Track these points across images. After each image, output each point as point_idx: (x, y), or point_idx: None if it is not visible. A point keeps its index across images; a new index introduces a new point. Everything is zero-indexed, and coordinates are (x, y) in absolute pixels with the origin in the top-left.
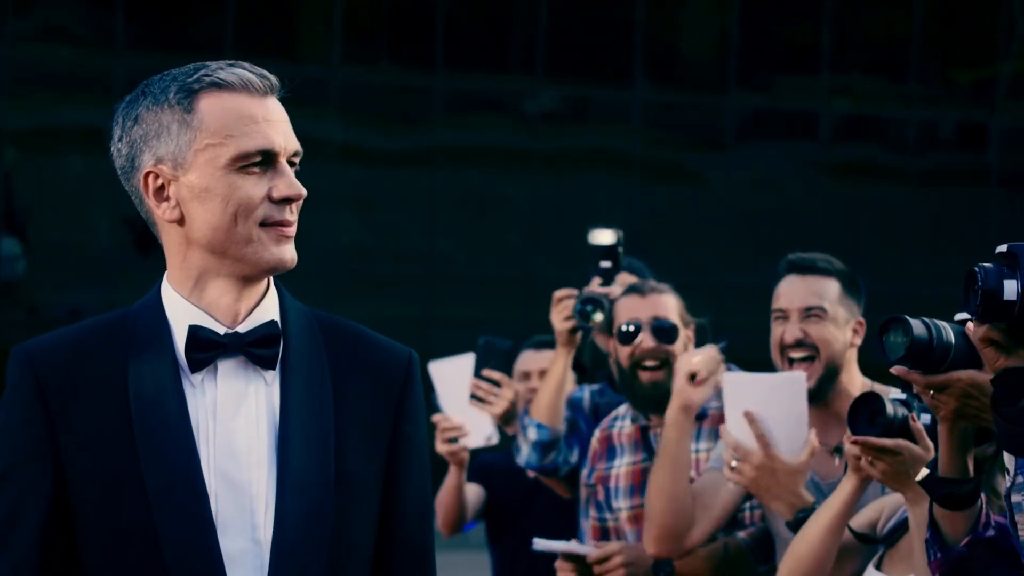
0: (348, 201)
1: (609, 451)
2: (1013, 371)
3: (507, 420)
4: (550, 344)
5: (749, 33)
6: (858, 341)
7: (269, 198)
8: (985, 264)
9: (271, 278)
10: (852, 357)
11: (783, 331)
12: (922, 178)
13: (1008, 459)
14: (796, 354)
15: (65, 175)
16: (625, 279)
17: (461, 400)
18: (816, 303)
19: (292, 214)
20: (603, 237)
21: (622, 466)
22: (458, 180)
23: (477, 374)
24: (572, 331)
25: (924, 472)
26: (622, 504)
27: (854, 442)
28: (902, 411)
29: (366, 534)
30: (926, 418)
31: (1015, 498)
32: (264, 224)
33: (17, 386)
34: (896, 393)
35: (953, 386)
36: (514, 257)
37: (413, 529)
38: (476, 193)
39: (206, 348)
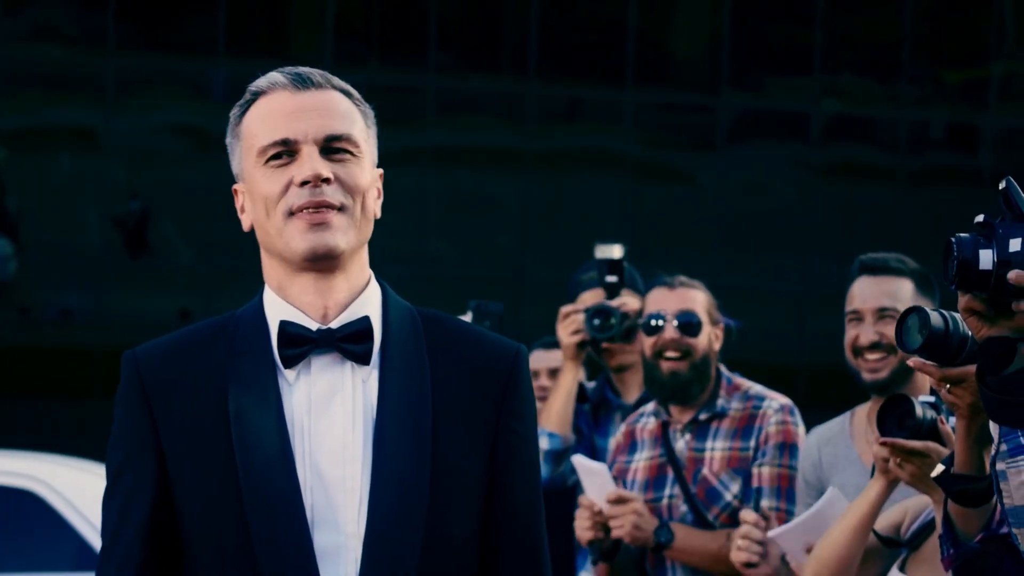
0: None
1: (631, 446)
2: (996, 340)
3: None
4: (559, 344)
5: (740, 33)
6: None
7: (295, 185)
8: (962, 235)
9: (375, 278)
10: None
11: (858, 333)
12: (914, 179)
13: (993, 427)
14: (872, 355)
15: (56, 175)
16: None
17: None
18: (890, 304)
19: (324, 195)
20: (610, 252)
21: (640, 460)
22: (449, 180)
23: None
24: (580, 344)
25: (940, 468)
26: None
27: (882, 443)
28: (931, 413)
29: (466, 530)
30: (940, 468)
31: (999, 466)
32: (292, 213)
33: (126, 388)
34: (926, 396)
35: (969, 380)
36: (505, 257)
37: (522, 525)
38: (467, 193)
39: (297, 344)
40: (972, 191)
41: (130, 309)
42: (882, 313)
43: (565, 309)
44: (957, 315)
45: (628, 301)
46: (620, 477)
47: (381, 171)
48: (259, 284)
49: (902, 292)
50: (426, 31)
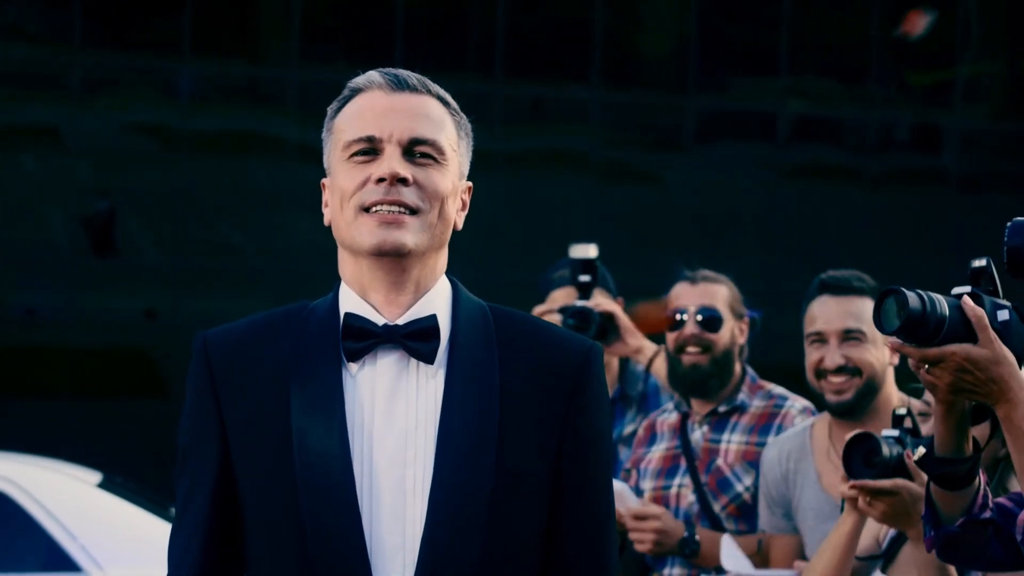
0: (305, 201)
1: (651, 438)
2: None
3: None
4: None
5: (707, 34)
6: (896, 360)
7: (372, 182)
8: (1018, 219)
9: (445, 276)
10: (891, 375)
11: (822, 355)
12: (879, 179)
13: None
14: (836, 378)
15: (21, 174)
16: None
17: None
18: (855, 325)
19: (399, 195)
20: (586, 251)
21: (657, 451)
22: None
23: None
24: None
25: (921, 451)
26: (647, 485)
27: (851, 487)
28: (897, 449)
29: (529, 532)
30: (921, 451)
31: None
32: (367, 209)
33: (195, 370)
34: (889, 430)
35: (947, 360)
36: (470, 257)
37: (590, 527)
38: None
39: (361, 337)
40: (937, 192)
41: (96, 309)
42: (847, 335)
43: (539, 309)
44: (936, 296)
45: (602, 302)
46: (635, 467)
47: (470, 184)
48: (224, 285)
49: (866, 312)
50: (392, 31)
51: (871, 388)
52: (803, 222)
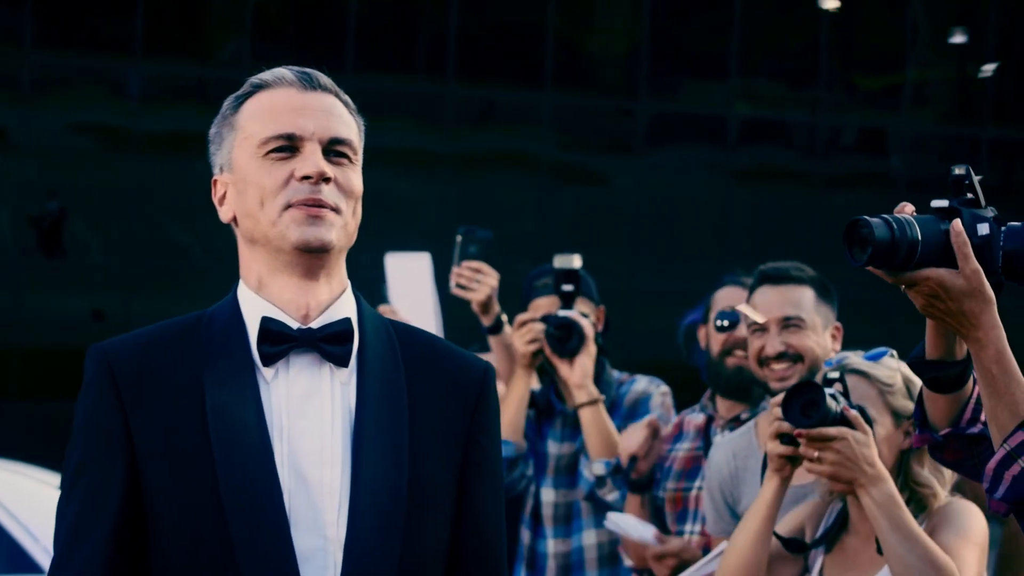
0: None
1: (678, 435)
2: None
3: (485, 308)
4: (486, 350)
5: (658, 38)
6: (838, 347)
7: (295, 179)
8: (1013, 223)
9: (349, 285)
10: None
11: (763, 344)
12: (828, 183)
13: None
14: (779, 365)
15: None
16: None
17: (410, 297)
18: (794, 312)
19: (321, 194)
20: (570, 262)
21: (680, 450)
22: (366, 181)
23: (458, 263)
24: (535, 353)
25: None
26: (669, 485)
27: (798, 435)
28: (835, 405)
29: (438, 541)
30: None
31: None
32: (290, 206)
33: (92, 381)
34: (831, 388)
35: (920, 284)
36: None
37: (487, 541)
38: (383, 194)
39: (277, 341)
40: (885, 195)
41: (43, 309)
42: (787, 323)
43: (521, 318)
44: (905, 218)
45: (587, 313)
46: (661, 463)
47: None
48: (172, 286)
49: (804, 300)
50: (344, 33)
51: (813, 375)
52: (752, 224)
